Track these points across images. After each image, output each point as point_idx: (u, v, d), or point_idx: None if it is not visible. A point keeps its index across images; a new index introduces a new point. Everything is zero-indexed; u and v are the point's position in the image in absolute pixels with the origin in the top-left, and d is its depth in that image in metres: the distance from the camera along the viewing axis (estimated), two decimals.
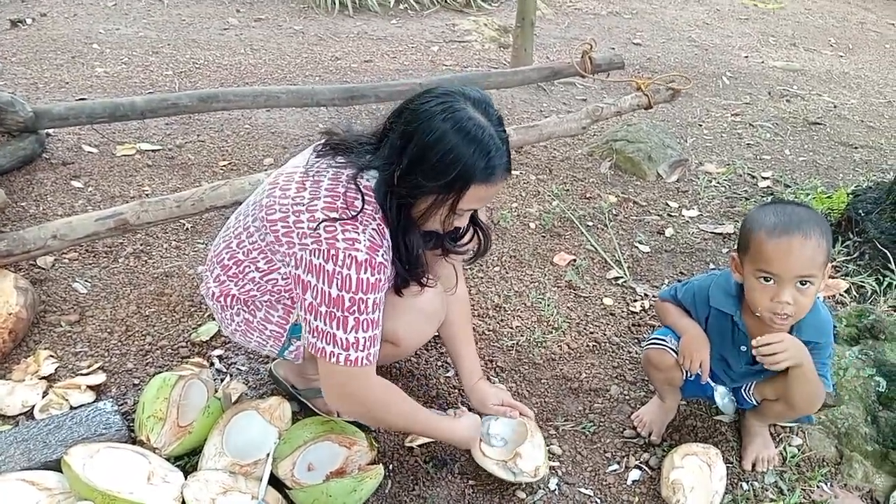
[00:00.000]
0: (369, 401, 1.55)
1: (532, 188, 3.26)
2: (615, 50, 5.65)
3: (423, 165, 1.42)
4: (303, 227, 1.46)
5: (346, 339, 1.45)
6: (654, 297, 2.54)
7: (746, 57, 5.88)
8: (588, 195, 3.23)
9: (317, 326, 1.47)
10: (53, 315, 2.23)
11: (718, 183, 3.46)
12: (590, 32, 6.09)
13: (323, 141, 1.60)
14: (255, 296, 1.66)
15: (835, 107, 4.92)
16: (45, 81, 3.98)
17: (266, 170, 3.12)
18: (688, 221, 3.08)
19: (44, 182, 2.94)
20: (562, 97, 4.60)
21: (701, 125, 4.28)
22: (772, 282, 1.55)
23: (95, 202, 2.83)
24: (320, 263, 1.43)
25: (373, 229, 1.47)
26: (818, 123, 4.48)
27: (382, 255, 1.47)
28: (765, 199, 3.30)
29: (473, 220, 1.70)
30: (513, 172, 3.37)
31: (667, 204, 3.22)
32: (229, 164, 3.22)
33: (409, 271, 1.59)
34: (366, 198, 1.47)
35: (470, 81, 3.70)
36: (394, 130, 1.48)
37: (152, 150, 3.26)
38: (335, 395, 1.55)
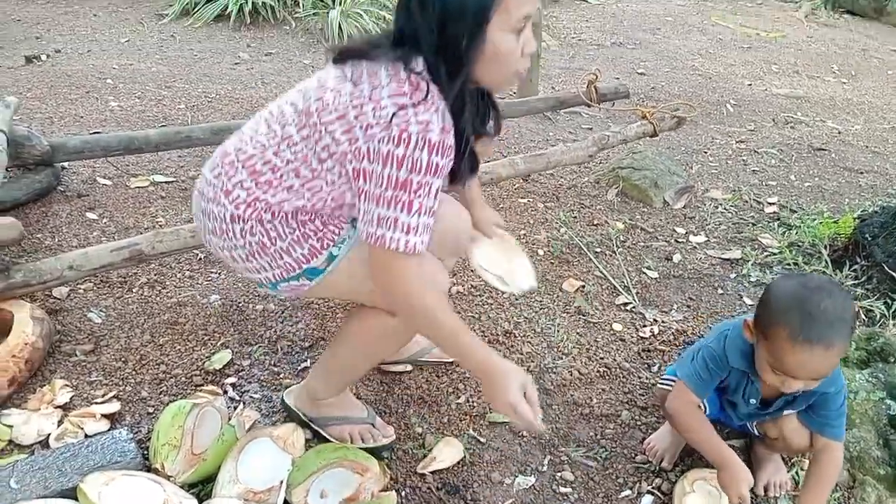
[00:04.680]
0: (414, 291, 1.49)
1: (540, 215, 3.29)
2: (620, 80, 5.71)
3: (450, 14, 1.37)
4: (367, 119, 1.42)
5: (408, 223, 1.43)
6: (663, 322, 2.55)
7: (750, 85, 5.94)
8: (596, 222, 3.25)
9: (378, 214, 1.43)
10: (69, 345, 2.26)
11: (725, 209, 3.49)
12: (594, 63, 6.17)
13: (339, 53, 1.54)
14: (286, 212, 1.59)
15: (839, 133, 4.95)
16: (60, 116, 4.05)
17: None
18: (695, 247, 3.10)
19: (59, 214, 2.99)
20: (567, 126, 4.65)
21: (706, 152, 4.32)
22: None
23: (110, 233, 2.87)
24: (389, 150, 1.39)
25: (444, 110, 1.43)
26: (823, 149, 4.51)
27: (452, 138, 1.44)
28: (771, 224, 3.32)
29: (489, 97, 1.68)
30: (521, 201, 3.41)
31: (674, 230, 3.24)
32: None
33: (461, 158, 1.53)
34: (429, 80, 1.43)
35: None
36: (407, 16, 1.44)
37: (166, 182, 3.31)
38: (386, 286, 1.52)
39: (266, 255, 1.63)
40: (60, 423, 1.97)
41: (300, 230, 1.61)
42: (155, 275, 2.64)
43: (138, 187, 3.26)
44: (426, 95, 1.40)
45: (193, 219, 1.77)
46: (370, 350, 1.82)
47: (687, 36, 7.21)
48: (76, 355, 2.22)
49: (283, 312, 2.47)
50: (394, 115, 1.38)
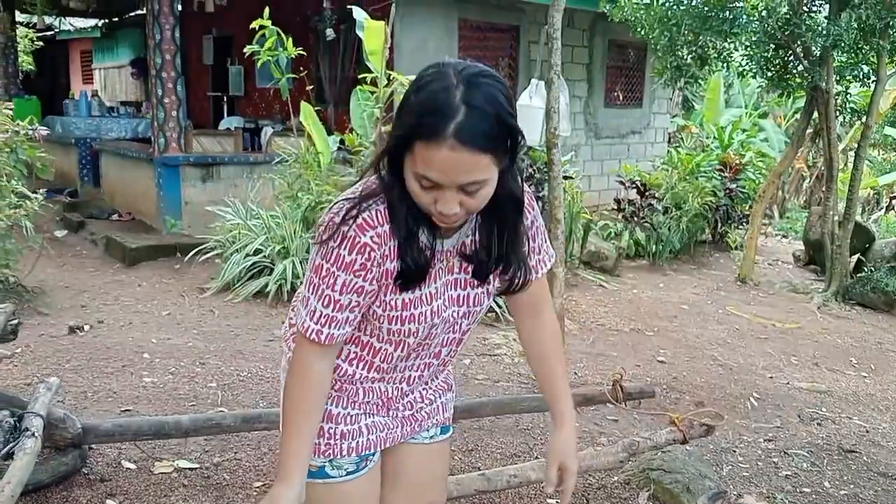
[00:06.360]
0: (294, 380, 1.57)
1: None
2: (640, 367, 5.83)
3: (395, 119, 1.49)
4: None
5: (313, 307, 1.52)
6: None
7: (771, 377, 6.00)
8: None
9: (303, 297, 1.56)
10: None
11: None
12: (614, 348, 6.33)
13: None
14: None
15: (867, 431, 4.88)
16: (94, 390, 4.15)
17: None
18: None
19: (79, 500, 2.94)
20: (593, 417, 4.65)
21: (735, 451, 4.25)
22: None
23: None
24: (319, 233, 1.52)
25: (375, 210, 1.49)
26: (853, 451, 4.42)
27: (372, 237, 1.47)
28: None
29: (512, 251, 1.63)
30: (549, 501, 3.31)
31: None
32: (263, 485, 3.22)
33: (409, 254, 1.49)
34: (373, 186, 1.52)
35: (507, 405, 3.81)
36: None
37: (189, 469, 3.29)
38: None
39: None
40: None
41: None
42: None
43: (161, 473, 3.23)
44: (368, 194, 1.50)
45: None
46: None
47: (704, 325, 7.43)
48: None
49: None
50: (335, 204, 1.53)
